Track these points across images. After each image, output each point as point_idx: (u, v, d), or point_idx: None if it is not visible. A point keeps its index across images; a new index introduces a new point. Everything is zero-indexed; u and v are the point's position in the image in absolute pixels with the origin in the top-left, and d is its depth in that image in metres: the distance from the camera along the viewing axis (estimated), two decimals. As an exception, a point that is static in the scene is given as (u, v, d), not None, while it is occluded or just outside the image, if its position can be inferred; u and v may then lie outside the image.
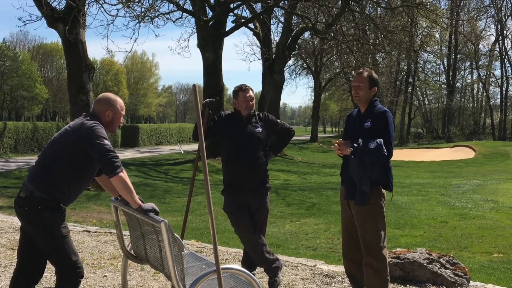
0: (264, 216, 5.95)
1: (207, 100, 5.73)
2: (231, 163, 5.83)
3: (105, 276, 6.45)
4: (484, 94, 73.58)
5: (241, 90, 5.88)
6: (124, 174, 4.15)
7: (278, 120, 6.15)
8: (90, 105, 15.58)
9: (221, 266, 3.79)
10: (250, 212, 5.82)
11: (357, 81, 5.10)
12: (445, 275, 6.14)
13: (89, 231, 9.15)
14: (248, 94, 5.84)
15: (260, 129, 5.86)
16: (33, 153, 28.91)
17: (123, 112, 4.56)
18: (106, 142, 4.18)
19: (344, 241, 5.34)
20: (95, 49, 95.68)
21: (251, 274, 3.98)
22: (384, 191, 5.01)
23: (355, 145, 4.80)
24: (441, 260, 6.36)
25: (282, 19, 34.70)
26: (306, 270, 6.80)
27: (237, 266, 4.24)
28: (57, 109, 79.11)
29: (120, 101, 4.54)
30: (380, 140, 4.73)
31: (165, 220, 3.84)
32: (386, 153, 4.73)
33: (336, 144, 4.95)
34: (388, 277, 4.96)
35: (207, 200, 3.90)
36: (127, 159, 26.54)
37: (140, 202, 4.20)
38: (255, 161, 5.76)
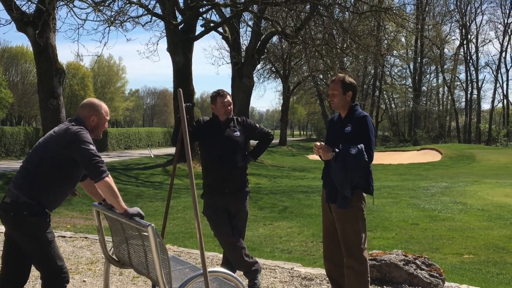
0: (244, 219, 6.02)
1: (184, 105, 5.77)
2: (211, 167, 5.89)
3: (84, 281, 6.45)
4: (449, 97, 74.68)
5: (219, 95, 5.94)
6: (109, 179, 4.18)
7: (257, 125, 6.22)
8: (61, 110, 15.47)
9: (208, 269, 3.84)
10: (230, 215, 5.88)
11: (331, 89, 5.11)
12: (421, 276, 6.27)
13: (64, 237, 9.11)
14: (226, 99, 5.90)
15: (238, 133, 5.93)
16: (1, 158, 28.50)
17: (108, 117, 4.58)
18: (92, 147, 4.21)
19: (324, 243, 5.39)
20: (65, 53, 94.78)
21: (238, 277, 4.04)
22: (364, 194, 5.07)
23: (337, 150, 4.86)
24: (417, 261, 6.49)
25: (251, 23, 34.81)
26: (284, 272, 6.88)
27: (224, 269, 4.28)
28: (23, 114, 77.96)
29: (104, 107, 4.56)
30: (361, 146, 4.79)
31: (152, 224, 3.87)
32: (367, 158, 4.81)
33: (318, 144, 4.98)
34: (369, 279, 5.03)
35: (193, 205, 3.95)
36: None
37: (125, 206, 4.23)
38: (234, 165, 5.83)
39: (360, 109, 5.12)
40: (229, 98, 5.96)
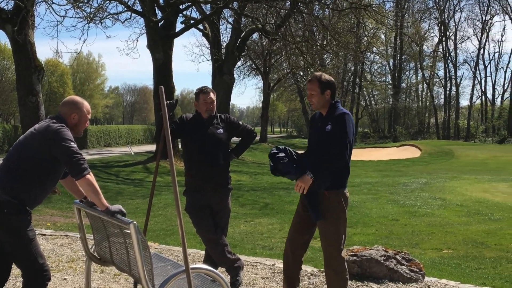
0: (226, 216, 6.02)
1: (166, 102, 5.76)
2: (193, 164, 5.88)
3: (65, 279, 6.42)
4: (428, 94, 75.25)
5: (201, 92, 5.93)
6: (91, 177, 4.17)
7: (240, 122, 6.22)
8: (40, 107, 15.37)
9: (190, 266, 3.84)
10: (212, 212, 5.89)
11: (309, 89, 5.04)
12: (401, 271, 6.33)
13: (45, 235, 9.06)
14: (208, 97, 5.89)
15: (221, 131, 5.92)
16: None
17: (89, 116, 4.56)
18: (73, 144, 4.19)
19: (293, 224, 5.29)
20: (44, 50, 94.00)
21: (220, 274, 4.05)
22: (347, 193, 5.02)
23: (310, 174, 4.78)
24: (397, 256, 6.55)
25: (231, 20, 34.75)
26: (266, 269, 6.90)
27: (206, 266, 4.29)
28: (1, 111, 77.13)
29: (86, 105, 4.54)
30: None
31: (134, 222, 3.87)
32: (333, 162, 4.83)
33: (298, 189, 4.83)
34: (347, 277, 5.04)
35: (175, 202, 3.95)
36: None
37: (107, 204, 4.22)
38: (217, 162, 5.83)
39: (340, 107, 5.05)
40: (211, 95, 5.94)
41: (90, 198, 4.33)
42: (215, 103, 5.96)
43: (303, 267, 7.06)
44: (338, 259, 4.95)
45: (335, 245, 4.94)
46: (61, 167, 4.35)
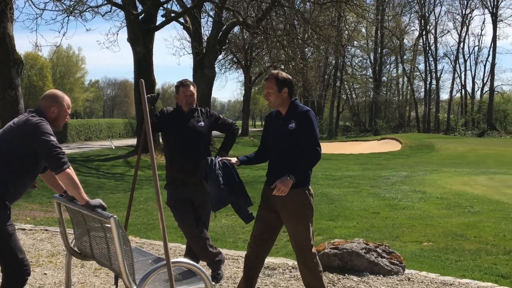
0: (208, 210, 6.00)
1: (147, 95, 5.73)
2: (174, 158, 5.86)
3: (45, 274, 6.38)
4: (409, 87, 75.61)
5: (181, 85, 5.90)
6: (71, 171, 4.14)
7: (220, 116, 6.20)
8: (19, 101, 15.23)
9: (172, 260, 3.83)
10: (193, 206, 5.87)
11: (266, 87, 5.01)
12: (382, 264, 6.37)
13: (24, 229, 8.99)
14: (188, 89, 5.86)
15: (202, 123, 5.90)
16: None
17: (69, 110, 4.52)
18: (52, 138, 4.15)
19: (253, 241, 5.21)
20: (23, 43, 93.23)
21: (201, 267, 4.04)
22: (311, 189, 5.00)
23: (290, 176, 4.74)
24: (378, 249, 6.59)
25: (212, 13, 34.64)
26: (247, 262, 6.90)
27: (187, 260, 4.28)
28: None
29: (67, 99, 4.51)
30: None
31: (115, 216, 3.84)
32: (313, 160, 4.83)
33: (276, 192, 4.76)
34: (321, 269, 5.01)
35: (156, 196, 3.93)
36: (56, 155, 25.99)
37: (87, 198, 4.20)
38: (198, 155, 5.80)
39: (300, 104, 5.02)
40: (192, 88, 5.91)
41: (70, 192, 4.30)
42: (195, 96, 5.94)
43: (285, 260, 7.10)
44: (310, 255, 4.93)
45: (306, 242, 4.92)
46: (41, 161, 4.31)
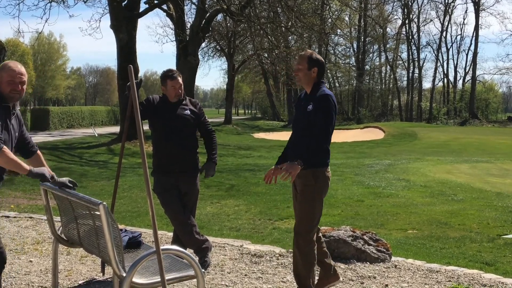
0: (194, 198, 6.01)
1: (136, 80, 5.68)
2: (161, 145, 5.85)
3: (31, 261, 6.33)
4: (392, 76, 75.97)
5: (169, 78, 5.86)
6: (6, 150, 4.06)
7: (205, 115, 6.19)
8: (1, 88, 15.07)
9: (161, 247, 3.81)
10: (180, 193, 5.86)
11: (297, 64, 5.03)
12: (369, 251, 6.39)
13: (8, 217, 8.91)
14: (177, 82, 5.85)
15: (188, 112, 5.90)
16: None
17: (23, 77, 4.30)
18: None
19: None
20: (4, 29, 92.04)
21: (190, 254, 4.02)
22: (328, 173, 4.98)
23: (298, 161, 4.70)
24: (365, 237, 6.61)
25: (195, 0, 34.48)
26: (234, 250, 6.90)
27: (177, 247, 4.25)
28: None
29: (12, 65, 4.31)
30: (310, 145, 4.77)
31: (104, 203, 3.80)
32: (319, 148, 4.80)
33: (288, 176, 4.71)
34: (313, 262, 4.97)
35: (145, 182, 3.90)
36: (38, 142, 25.74)
37: (28, 167, 4.15)
38: (185, 143, 5.79)
39: (324, 87, 5.00)
40: (179, 79, 5.89)
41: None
42: (182, 86, 5.93)
43: (271, 247, 7.11)
44: (306, 239, 4.90)
45: (306, 224, 4.91)
46: None
